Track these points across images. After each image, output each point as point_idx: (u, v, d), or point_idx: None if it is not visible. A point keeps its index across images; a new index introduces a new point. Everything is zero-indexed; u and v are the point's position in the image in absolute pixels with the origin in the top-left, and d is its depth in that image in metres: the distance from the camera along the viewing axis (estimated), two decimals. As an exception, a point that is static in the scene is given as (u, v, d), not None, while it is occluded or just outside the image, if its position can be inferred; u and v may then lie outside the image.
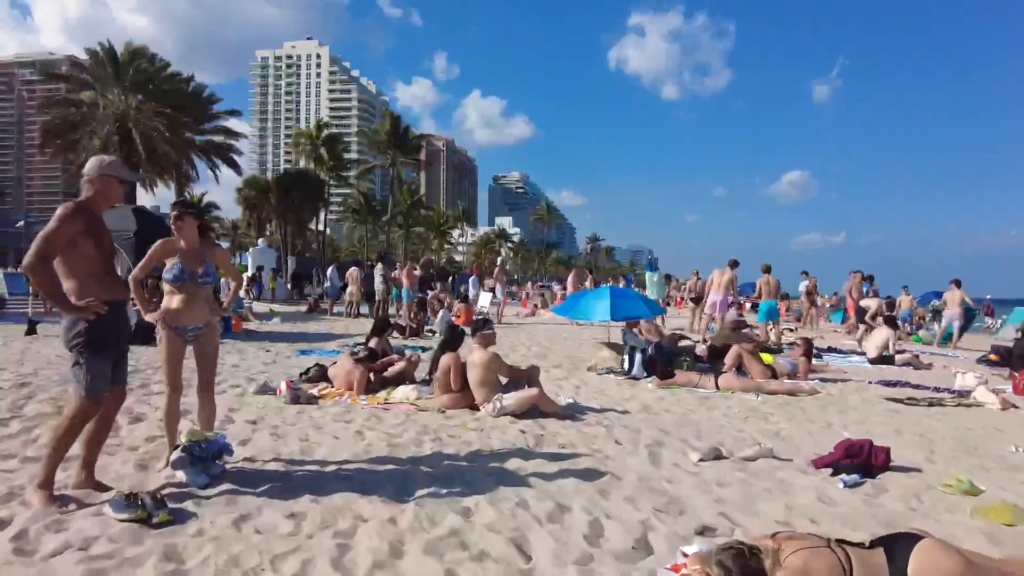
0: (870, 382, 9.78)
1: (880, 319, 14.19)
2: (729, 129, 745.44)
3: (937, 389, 9.30)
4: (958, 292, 18.44)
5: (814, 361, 12.16)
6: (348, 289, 20.18)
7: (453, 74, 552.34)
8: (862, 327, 16.24)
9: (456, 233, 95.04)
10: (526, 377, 6.66)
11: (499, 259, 24.75)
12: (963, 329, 18.80)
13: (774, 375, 9.46)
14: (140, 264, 4.34)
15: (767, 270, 15.14)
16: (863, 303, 18.23)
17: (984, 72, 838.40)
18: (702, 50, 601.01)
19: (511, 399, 6.27)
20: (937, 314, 23.30)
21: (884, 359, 12.09)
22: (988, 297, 29.80)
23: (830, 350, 14.49)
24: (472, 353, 6.61)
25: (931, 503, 4.29)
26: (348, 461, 4.75)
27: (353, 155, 71.24)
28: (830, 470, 4.89)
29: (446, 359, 6.62)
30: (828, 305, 26.93)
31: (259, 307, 21.81)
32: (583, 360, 10.78)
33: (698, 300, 18.08)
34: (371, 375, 7.56)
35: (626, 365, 9.47)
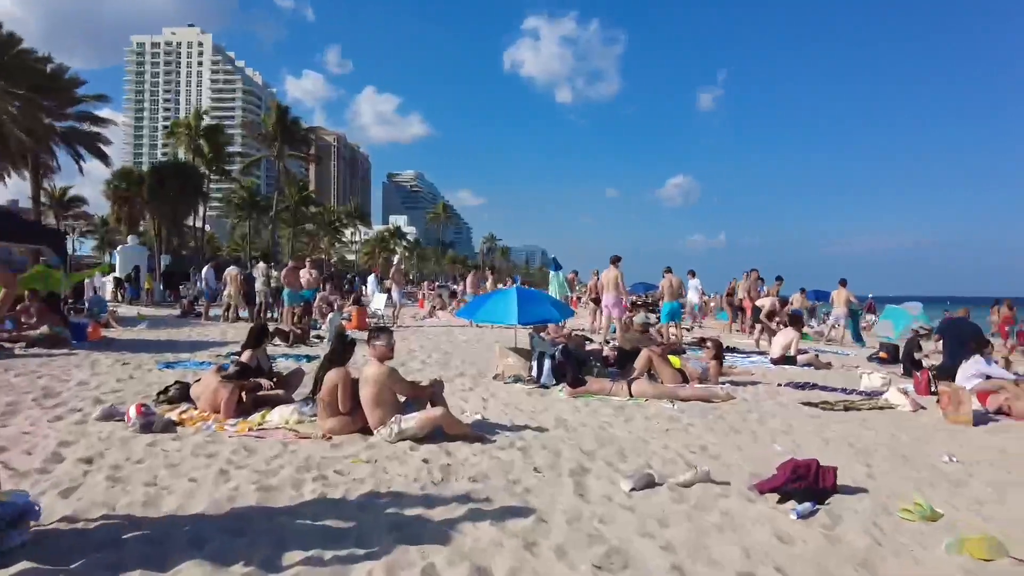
0: (779, 384, 9.58)
1: (784, 320, 14.26)
2: (620, 134, 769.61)
3: (845, 391, 9.20)
4: (844, 291, 19.10)
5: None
6: (226, 291, 18.47)
7: (347, 69, 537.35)
8: (759, 326, 16.41)
9: (349, 232, 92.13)
10: (428, 394, 5.80)
11: (395, 258, 23.26)
12: (849, 327, 19.54)
13: (684, 379, 9.06)
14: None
15: (669, 271, 14.97)
16: (758, 302, 18.51)
17: (852, 86, 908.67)
18: (595, 56, 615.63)
19: (411, 421, 5.38)
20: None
21: (786, 359, 12.07)
22: (870, 296, 31.46)
23: (731, 350, 14.49)
24: (365, 367, 5.66)
25: (894, 532, 3.80)
26: (205, 516, 3.72)
27: (237, 148, 67.28)
28: (776, 495, 4.35)
29: (333, 375, 5.63)
30: (712, 304, 27.69)
31: (127, 311, 19.68)
32: (488, 367, 10.01)
33: (599, 300, 17.75)
34: (242, 394, 6.44)
35: (534, 372, 8.78)
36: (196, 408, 6.39)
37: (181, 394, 6.63)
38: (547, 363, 8.75)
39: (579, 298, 34.51)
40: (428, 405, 5.70)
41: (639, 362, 8.89)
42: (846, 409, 7.74)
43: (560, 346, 9.81)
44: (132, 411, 5.73)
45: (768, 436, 6.23)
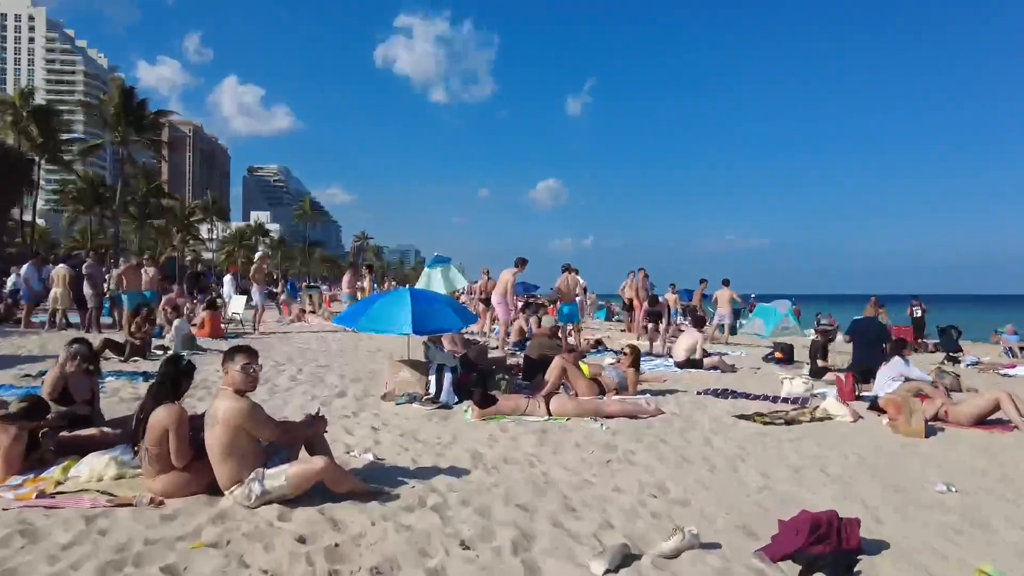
0: (699, 393, 8.72)
1: (688, 321, 13.61)
2: (494, 135, 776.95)
3: (769, 398, 8.47)
4: (727, 291, 19.05)
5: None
6: (52, 292, 15.49)
7: (207, 57, 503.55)
8: (651, 327, 15.79)
9: (205, 228, 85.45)
10: (305, 437, 4.24)
11: (256, 254, 20.53)
12: (733, 327, 19.54)
13: (601, 390, 7.97)
14: None
15: (568, 268, 13.91)
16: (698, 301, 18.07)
17: (710, 96, 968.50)
18: (469, 58, 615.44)
19: (280, 478, 3.81)
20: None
21: (691, 362, 11.35)
22: (753, 295, 32.27)
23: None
24: (215, 400, 4.00)
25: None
26: None
27: (80, 135, 60.01)
28: (793, 563, 3.23)
29: (161, 415, 3.91)
30: (590, 303, 27.41)
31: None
32: (375, 383, 8.45)
33: (489, 301, 16.48)
34: (42, 437, 4.58)
35: (432, 388, 7.35)
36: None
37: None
38: (447, 377, 7.35)
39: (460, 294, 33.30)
40: (303, 452, 4.16)
41: (551, 373, 7.68)
42: (787, 423, 6.90)
43: (460, 357, 8.45)
44: None
45: (726, 464, 5.18)
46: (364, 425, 6.17)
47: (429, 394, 7.27)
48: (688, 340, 11.48)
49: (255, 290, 16.73)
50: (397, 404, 7.17)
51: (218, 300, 16.46)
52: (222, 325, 14.92)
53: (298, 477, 3.83)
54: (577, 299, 14.27)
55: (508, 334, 13.44)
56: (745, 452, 5.62)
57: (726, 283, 19.48)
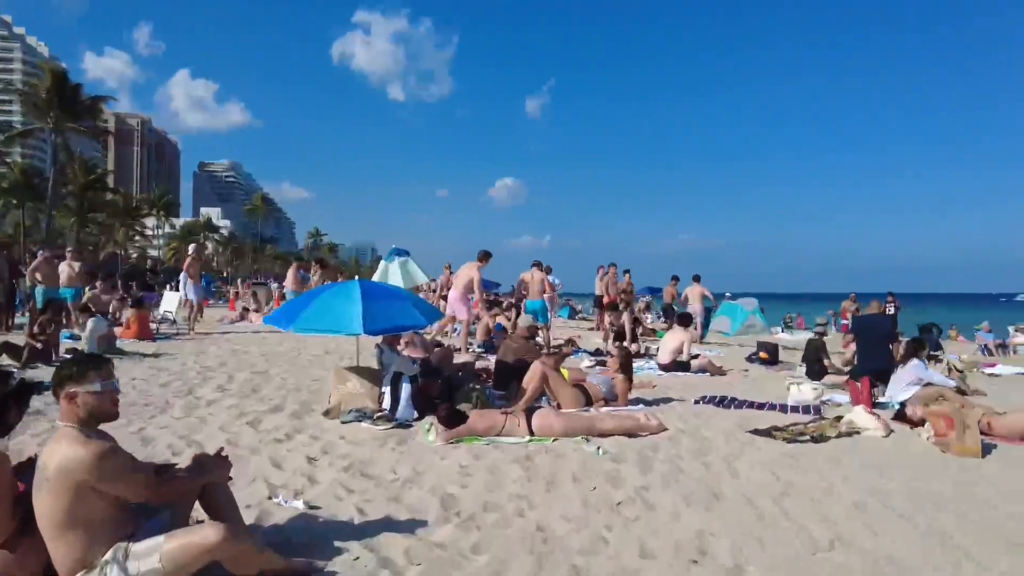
0: (697, 401, 7.59)
1: (662, 319, 12.51)
2: (452, 134, 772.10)
3: (776, 407, 7.39)
4: (698, 287, 18.15)
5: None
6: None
7: (158, 50, 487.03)
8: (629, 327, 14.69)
9: (152, 223, 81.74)
10: (194, 490, 2.90)
11: (191, 246, 18.63)
12: (705, 325, 18.61)
13: (588, 400, 6.78)
14: None
15: (537, 265, 12.69)
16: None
17: (665, 101, 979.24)
18: (428, 56, 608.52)
19: (150, 558, 2.48)
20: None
21: (678, 364, 10.25)
22: (728, 294, 31.57)
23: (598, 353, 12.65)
24: (48, 447, 2.61)
25: None
26: None
27: (18, 125, 56.31)
28: None
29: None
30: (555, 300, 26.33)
31: None
32: (317, 396, 7.09)
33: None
34: None
35: (386, 402, 6.03)
36: None
37: None
38: (405, 388, 6.04)
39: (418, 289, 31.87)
40: (193, 522, 2.84)
41: (530, 381, 6.46)
42: (814, 440, 5.79)
43: (421, 362, 7.17)
44: None
45: (770, 503, 4.01)
46: (298, 453, 4.83)
47: (383, 409, 5.96)
48: (674, 340, 10.35)
49: (190, 286, 15.11)
50: (343, 422, 5.83)
51: (146, 298, 14.78)
52: (152, 325, 13.31)
53: (182, 555, 2.50)
54: (545, 296, 13.04)
55: (472, 334, 12.16)
56: (783, 482, 4.46)
57: (696, 279, 18.58)
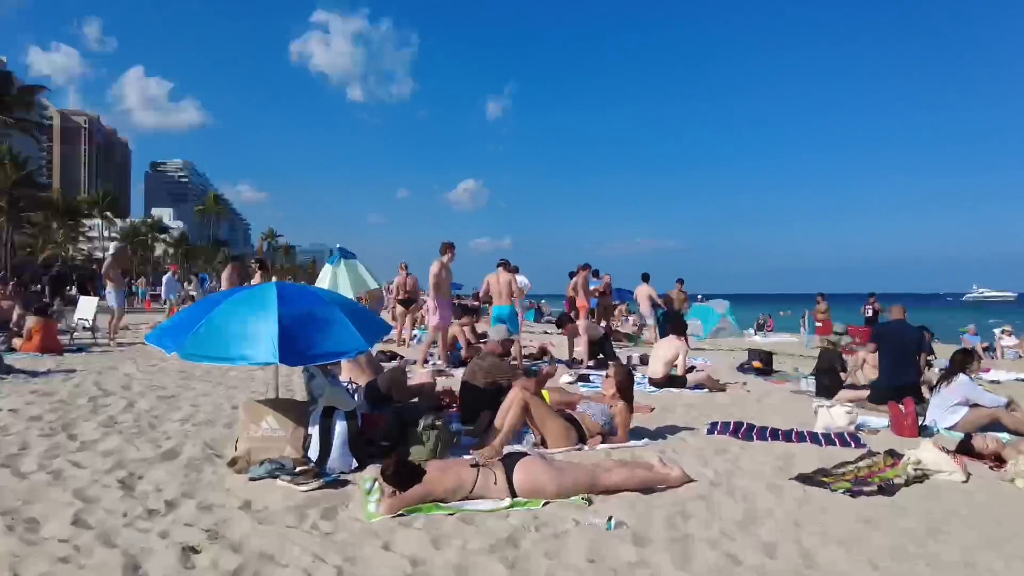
0: (710, 431, 6.17)
1: (668, 327, 11.08)
2: (413, 136, 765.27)
3: (806, 437, 6.02)
4: (645, 287, 17.05)
5: (585, 389, 8.47)
6: None
7: (110, 46, 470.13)
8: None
9: (95, 224, 77.79)
10: None
11: (111, 246, 16.73)
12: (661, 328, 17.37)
13: (581, 436, 5.30)
14: None
15: (504, 264, 11.08)
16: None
17: (623, 106, 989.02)
18: (388, 57, 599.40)
19: None
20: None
21: (672, 380, 8.83)
22: (700, 296, 30.44)
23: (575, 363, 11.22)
24: None
25: None
26: None
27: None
28: None
29: None
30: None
31: None
32: (233, 431, 5.48)
33: (407, 302, 13.51)
34: None
35: (313, 448, 4.44)
36: None
37: None
38: (340, 429, 4.47)
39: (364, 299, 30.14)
40: None
41: (509, 413, 4.99)
42: (881, 490, 4.39)
43: (361, 389, 5.64)
44: None
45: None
46: (174, 539, 3.22)
47: (307, 459, 4.37)
48: (668, 351, 8.91)
49: (111, 290, 13.23)
50: (252, 479, 4.21)
51: (53, 305, 12.85)
52: (59, 337, 11.44)
53: None
54: (514, 301, 11.39)
55: (450, 346, 10.57)
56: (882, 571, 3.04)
57: (645, 278, 17.39)
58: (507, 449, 4.86)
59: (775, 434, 6.11)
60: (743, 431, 6.16)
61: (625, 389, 5.57)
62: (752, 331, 26.79)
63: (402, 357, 10.65)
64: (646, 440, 5.53)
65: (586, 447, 5.18)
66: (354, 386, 5.94)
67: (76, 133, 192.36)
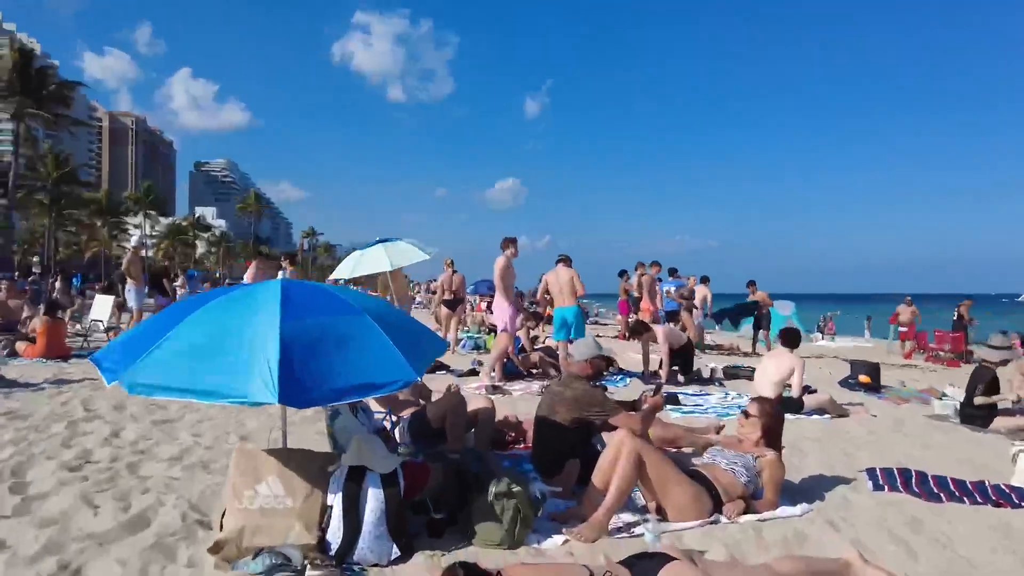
0: (874, 485, 4.53)
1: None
2: (451, 134, 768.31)
3: (1010, 494, 4.34)
4: (703, 288, 15.78)
5: (676, 415, 6.86)
6: None
7: (159, 50, 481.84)
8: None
9: (139, 222, 78.24)
10: None
11: (132, 239, 15.77)
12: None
13: (715, 502, 3.71)
14: None
15: (563, 260, 9.41)
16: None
17: (664, 101, 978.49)
18: (427, 57, 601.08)
19: None
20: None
21: (785, 403, 7.13)
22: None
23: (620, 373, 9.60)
24: None
25: None
26: None
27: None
28: None
29: None
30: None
31: None
32: (222, 487, 4.03)
33: (454, 304, 12.01)
34: None
35: (334, 529, 2.96)
36: None
37: None
38: (373, 499, 2.97)
39: (414, 298, 28.83)
40: None
41: (618, 469, 3.47)
42: None
43: (408, 420, 4.18)
44: None
45: None
46: None
47: (324, 547, 2.88)
48: (780, 367, 7.16)
49: (131, 288, 12.11)
50: (241, 572, 2.75)
51: (61, 303, 11.73)
52: (64, 339, 10.26)
53: None
54: (578, 303, 9.69)
55: (508, 358, 8.98)
56: None
57: (705, 280, 16.14)
58: (614, 521, 3.35)
59: (962, 488, 4.45)
60: (916, 482, 4.52)
61: (772, 433, 3.97)
62: (819, 334, 24.77)
63: (448, 368, 9.17)
64: (803, 505, 3.91)
65: (723, 518, 3.60)
66: (393, 419, 4.43)
67: (124, 134, 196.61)
